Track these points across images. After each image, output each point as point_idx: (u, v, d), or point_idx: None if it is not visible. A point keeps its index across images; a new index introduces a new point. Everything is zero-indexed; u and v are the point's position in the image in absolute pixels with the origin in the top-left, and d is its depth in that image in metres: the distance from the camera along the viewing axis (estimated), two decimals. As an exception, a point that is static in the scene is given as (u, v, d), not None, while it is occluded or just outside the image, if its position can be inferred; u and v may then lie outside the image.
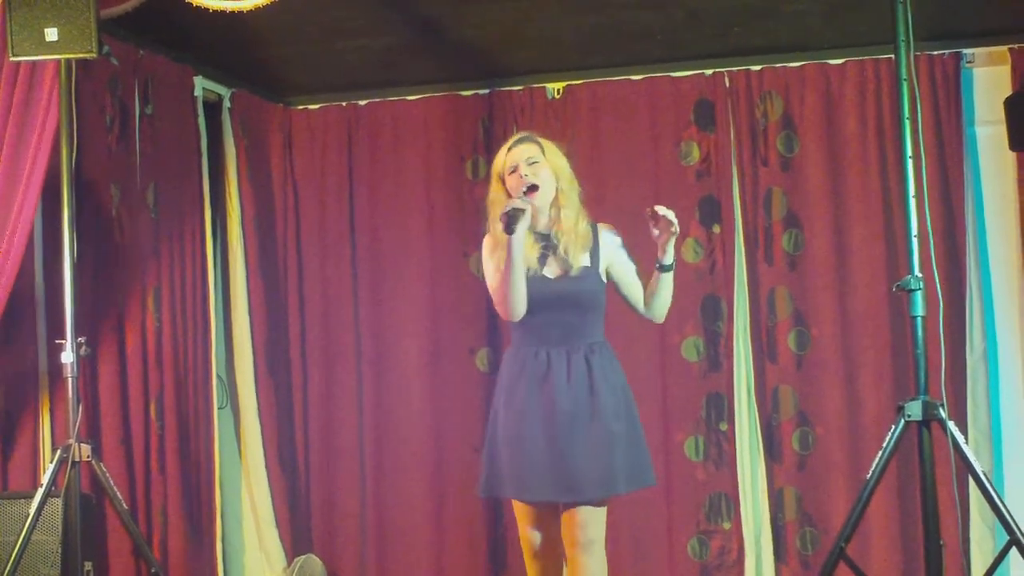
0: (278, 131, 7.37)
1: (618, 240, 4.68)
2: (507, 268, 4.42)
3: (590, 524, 4.46)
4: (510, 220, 4.32)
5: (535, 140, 4.61)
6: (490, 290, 4.62)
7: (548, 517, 4.54)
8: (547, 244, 4.56)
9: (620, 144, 6.92)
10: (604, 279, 4.61)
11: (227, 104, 7.06)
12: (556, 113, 7.02)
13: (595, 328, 4.56)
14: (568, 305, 4.51)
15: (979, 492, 4.93)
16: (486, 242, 4.67)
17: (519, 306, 4.47)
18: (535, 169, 4.52)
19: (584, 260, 4.56)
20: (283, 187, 7.34)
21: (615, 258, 4.63)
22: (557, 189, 4.56)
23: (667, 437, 6.74)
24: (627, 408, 4.56)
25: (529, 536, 4.58)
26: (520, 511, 4.58)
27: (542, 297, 4.49)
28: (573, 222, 4.55)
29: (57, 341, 5.21)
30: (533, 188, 4.46)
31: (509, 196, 4.51)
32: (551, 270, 4.55)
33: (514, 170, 4.53)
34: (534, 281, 4.49)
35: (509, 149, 4.59)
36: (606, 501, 4.51)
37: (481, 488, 4.70)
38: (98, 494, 5.50)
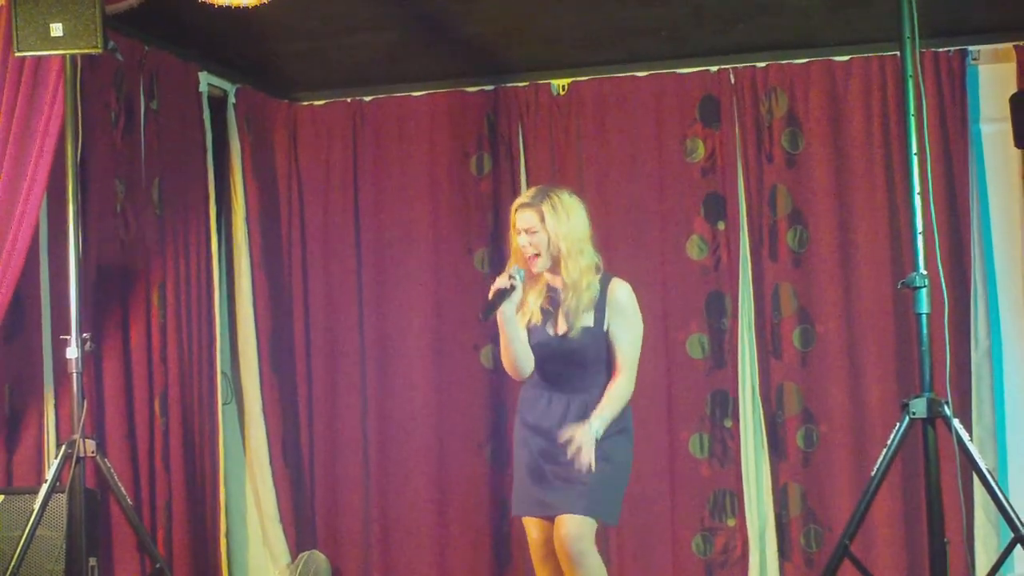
0: (283, 127, 7.36)
1: (629, 303, 4.78)
2: (503, 340, 4.72)
3: (574, 537, 4.63)
4: (487, 307, 4.64)
5: (538, 208, 4.72)
6: None
7: (547, 527, 4.74)
8: (554, 299, 4.75)
9: (625, 141, 6.91)
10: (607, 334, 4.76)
11: (232, 100, 7.06)
12: (561, 109, 7.02)
13: (598, 379, 4.74)
14: (568, 362, 4.72)
15: (983, 489, 4.93)
16: None
17: (519, 372, 4.78)
18: (533, 239, 4.72)
19: (587, 320, 4.72)
20: (288, 183, 7.34)
21: (615, 320, 4.75)
22: (559, 252, 4.70)
23: (672, 434, 6.74)
24: (618, 455, 4.72)
25: (532, 540, 4.81)
26: (524, 522, 4.85)
27: (547, 351, 4.74)
28: (578, 283, 4.70)
29: (62, 337, 5.21)
30: (534, 257, 4.70)
31: (520, 250, 4.74)
32: (554, 327, 4.75)
33: (520, 233, 4.74)
34: (539, 335, 4.75)
35: (516, 209, 4.78)
36: (587, 517, 4.65)
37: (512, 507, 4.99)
38: (102, 490, 5.51)
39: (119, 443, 5.98)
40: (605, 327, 4.72)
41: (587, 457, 4.57)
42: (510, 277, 4.64)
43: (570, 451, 4.57)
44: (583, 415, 4.66)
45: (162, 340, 6.32)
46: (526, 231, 4.69)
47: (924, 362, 4.83)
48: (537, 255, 4.69)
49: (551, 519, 4.70)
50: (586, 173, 6.89)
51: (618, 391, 4.72)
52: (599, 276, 4.75)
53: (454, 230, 7.14)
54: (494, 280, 4.66)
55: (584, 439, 4.58)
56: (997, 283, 6.53)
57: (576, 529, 4.62)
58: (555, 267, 4.72)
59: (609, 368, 4.73)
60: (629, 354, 4.75)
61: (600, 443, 4.61)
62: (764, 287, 6.74)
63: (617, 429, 4.69)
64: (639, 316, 4.78)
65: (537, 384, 4.79)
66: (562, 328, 4.71)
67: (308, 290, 7.31)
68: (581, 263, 4.70)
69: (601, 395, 4.69)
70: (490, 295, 4.63)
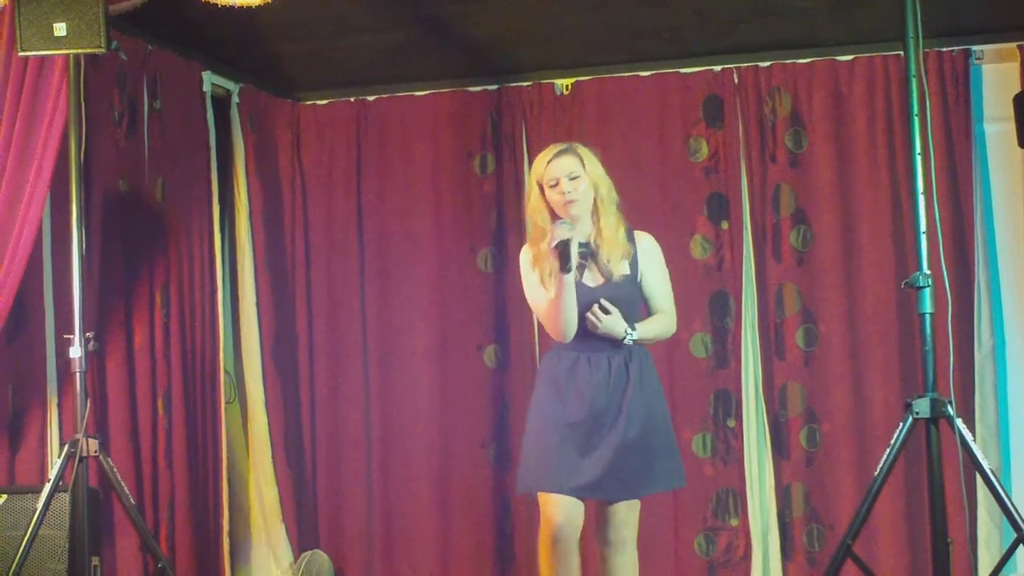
0: (286, 126, 7.37)
1: (657, 250, 4.82)
2: (560, 296, 4.58)
3: (624, 524, 4.70)
4: (563, 256, 4.49)
5: (575, 152, 4.72)
6: (531, 304, 4.81)
7: (573, 508, 4.65)
8: (586, 252, 4.69)
9: (628, 140, 6.91)
10: (641, 286, 4.77)
11: (235, 99, 7.06)
12: (564, 109, 7.01)
13: None
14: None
15: (987, 490, 4.92)
16: (525, 255, 4.80)
17: (572, 330, 4.64)
18: (576, 184, 4.66)
19: (624, 268, 4.71)
20: (291, 182, 7.34)
21: (648, 268, 4.77)
22: (596, 199, 4.69)
23: (675, 433, 6.72)
24: (661, 412, 4.77)
25: (553, 521, 4.64)
26: (546, 499, 4.67)
27: (585, 305, 4.63)
28: (613, 231, 4.70)
29: (65, 336, 5.21)
30: (574, 203, 4.63)
31: (549, 207, 4.68)
32: (591, 278, 4.71)
33: (555, 184, 4.67)
34: (579, 290, 4.64)
35: (549, 161, 4.70)
36: (638, 501, 4.71)
37: (518, 484, 4.86)
38: (105, 489, 5.51)
39: (122, 442, 5.97)
40: (639, 277, 4.72)
41: (612, 325, 4.58)
42: (566, 228, 4.54)
43: (598, 313, 4.56)
44: (624, 374, 4.63)
45: (165, 339, 6.32)
46: (569, 177, 4.63)
47: (927, 362, 4.82)
48: (577, 200, 4.63)
49: (583, 500, 4.64)
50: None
51: (663, 319, 4.74)
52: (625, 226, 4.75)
53: (457, 230, 7.14)
54: (554, 249, 4.54)
55: (614, 319, 4.57)
56: (1000, 283, 6.53)
57: (625, 515, 4.66)
58: (590, 215, 4.68)
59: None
60: (666, 300, 4.78)
61: (635, 410, 4.61)
62: (767, 287, 6.74)
63: (642, 380, 4.66)
64: (665, 266, 4.81)
65: (571, 348, 4.68)
66: (600, 279, 4.67)
67: (311, 289, 7.32)
68: (614, 209, 4.71)
69: (639, 352, 4.68)
70: (555, 249, 4.51)
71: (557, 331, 4.66)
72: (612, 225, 4.69)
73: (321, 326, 7.29)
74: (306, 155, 7.38)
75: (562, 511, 4.63)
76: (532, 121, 7.05)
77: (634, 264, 4.73)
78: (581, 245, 4.64)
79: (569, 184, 4.63)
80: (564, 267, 4.50)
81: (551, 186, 4.66)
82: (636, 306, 4.74)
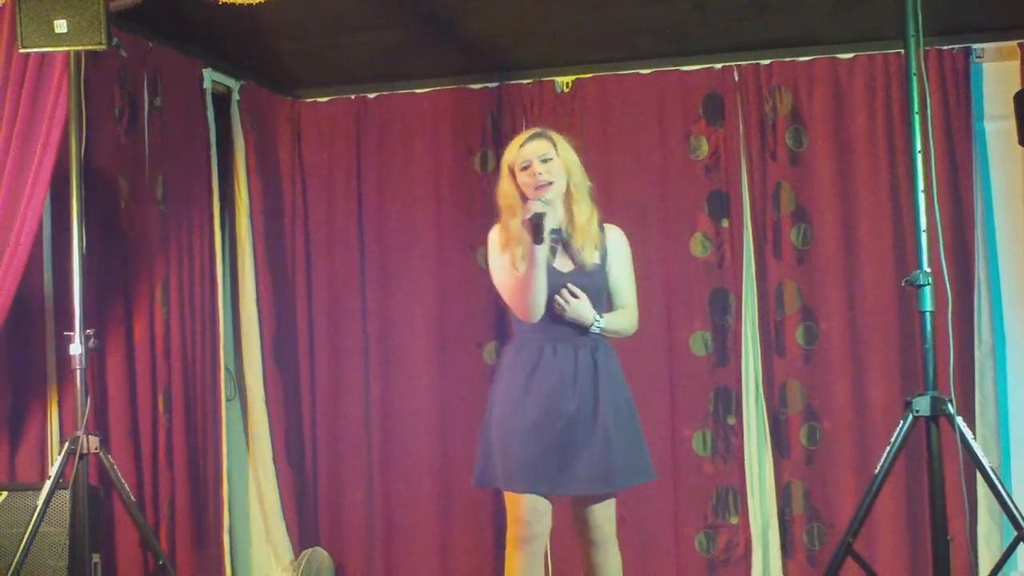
0: (287, 124, 7.37)
1: (626, 245, 4.79)
2: (531, 271, 4.52)
3: (603, 523, 4.63)
4: (536, 228, 4.43)
5: (548, 136, 4.70)
6: (499, 286, 4.77)
7: (543, 508, 4.58)
8: (557, 238, 4.62)
9: (629, 138, 6.91)
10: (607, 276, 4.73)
11: (236, 97, 7.06)
12: (565, 107, 7.01)
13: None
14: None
15: (987, 487, 4.92)
16: (495, 237, 4.75)
17: (540, 308, 4.57)
18: (548, 166, 4.62)
19: (595, 258, 4.67)
20: (291, 180, 7.34)
21: (616, 262, 4.73)
22: (569, 184, 4.65)
23: (675, 431, 6.74)
24: (628, 404, 4.69)
25: (523, 521, 4.56)
26: (515, 499, 4.59)
27: (554, 289, 4.58)
28: (586, 219, 4.66)
29: (65, 333, 5.21)
30: (546, 185, 4.57)
31: (520, 191, 4.63)
32: (563, 263, 4.66)
33: (527, 166, 4.62)
34: (549, 274, 4.58)
35: (522, 145, 4.67)
36: (613, 496, 4.65)
37: (477, 478, 4.73)
38: (106, 486, 5.51)
39: (122, 440, 5.97)
40: (607, 268, 4.69)
41: (581, 311, 4.55)
42: (541, 203, 4.50)
43: (566, 296, 4.54)
44: (592, 368, 4.58)
45: (165, 336, 6.32)
46: (541, 159, 4.59)
47: (927, 360, 4.82)
48: (551, 183, 4.58)
49: (550, 497, 4.57)
50: (589, 170, 6.72)
51: (627, 316, 4.71)
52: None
53: (457, 227, 7.13)
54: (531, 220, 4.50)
55: (583, 305, 4.55)
56: (1000, 281, 6.53)
57: (603, 513, 4.60)
58: (562, 201, 4.64)
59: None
60: (630, 295, 4.73)
61: (607, 408, 4.55)
62: (768, 284, 6.74)
63: (609, 371, 4.62)
64: (632, 263, 4.78)
65: (536, 337, 4.62)
66: (571, 265, 4.64)
67: (311, 287, 7.32)
68: (587, 196, 4.68)
69: (603, 343, 4.65)
70: (528, 221, 4.46)
71: (525, 309, 4.58)
72: (585, 212, 4.65)
73: (321, 323, 7.29)
74: (306, 152, 7.38)
75: (532, 511, 4.55)
76: (532, 119, 7.04)
77: (604, 254, 4.70)
78: (553, 231, 4.57)
79: (541, 166, 4.59)
80: (537, 239, 4.44)
81: (522, 169, 4.61)
82: (603, 298, 4.70)
